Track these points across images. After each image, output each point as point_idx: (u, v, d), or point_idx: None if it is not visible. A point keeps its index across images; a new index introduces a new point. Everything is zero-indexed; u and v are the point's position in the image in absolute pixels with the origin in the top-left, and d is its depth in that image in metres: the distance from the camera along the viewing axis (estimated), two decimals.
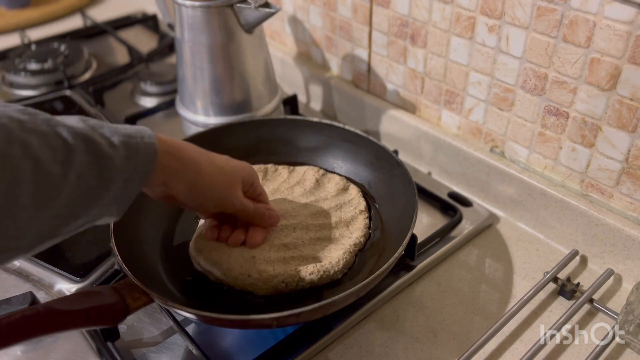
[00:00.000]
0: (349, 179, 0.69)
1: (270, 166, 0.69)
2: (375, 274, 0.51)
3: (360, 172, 0.69)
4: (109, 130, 0.42)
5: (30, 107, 0.39)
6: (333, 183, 0.67)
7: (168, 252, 0.61)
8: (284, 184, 0.67)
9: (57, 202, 0.39)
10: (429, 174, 0.79)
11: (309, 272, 0.55)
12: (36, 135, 0.37)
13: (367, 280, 0.50)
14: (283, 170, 0.69)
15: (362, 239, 0.60)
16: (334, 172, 0.70)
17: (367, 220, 0.63)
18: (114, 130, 0.43)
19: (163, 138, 0.47)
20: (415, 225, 0.56)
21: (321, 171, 0.68)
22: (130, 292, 0.49)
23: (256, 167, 0.69)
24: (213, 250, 0.57)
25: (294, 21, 0.92)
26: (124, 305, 0.49)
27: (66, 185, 0.39)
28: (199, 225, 0.62)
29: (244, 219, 0.56)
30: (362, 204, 0.64)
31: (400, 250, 0.53)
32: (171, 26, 0.83)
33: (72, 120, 0.41)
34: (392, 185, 0.65)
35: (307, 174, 0.68)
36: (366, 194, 0.67)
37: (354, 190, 0.66)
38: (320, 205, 0.64)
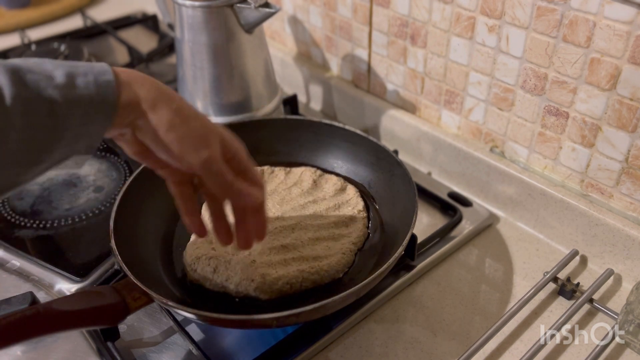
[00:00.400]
0: (346, 179, 0.69)
1: (266, 168, 0.69)
2: (375, 274, 0.51)
3: (360, 172, 0.70)
4: (51, 63, 0.38)
5: None
6: (330, 183, 0.67)
7: (168, 253, 0.61)
8: (281, 185, 0.67)
9: (8, 146, 0.35)
10: (429, 174, 0.79)
11: (311, 271, 0.55)
12: None
13: (367, 280, 0.50)
14: (279, 171, 0.69)
15: (361, 238, 0.61)
16: (331, 173, 0.70)
17: (365, 220, 0.63)
18: (58, 63, 0.38)
19: (118, 69, 0.40)
20: (415, 225, 0.56)
21: (318, 172, 0.68)
22: (130, 292, 0.49)
23: None
24: (211, 258, 0.56)
25: (294, 21, 0.92)
26: (124, 305, 0.49)
27: (12, 127, 0.35)
28: (191, 240, 0.61)
29: (217, 191, 0.44)
30: (360, 204, 0.64)
31: (400, 250, 0.53)
32: (171, 26, 0.83)
33: (8, 60, 0.37)
34: (392, 185, 0.65)
35: (304, 174, 0.68)
36: (366, 194, 0.67)
37: (351, 191, 0.66)
38: (318, 205, 0.64)
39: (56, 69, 0.37)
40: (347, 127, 0.69)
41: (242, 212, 0.46)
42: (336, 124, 0.70)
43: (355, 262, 0.59)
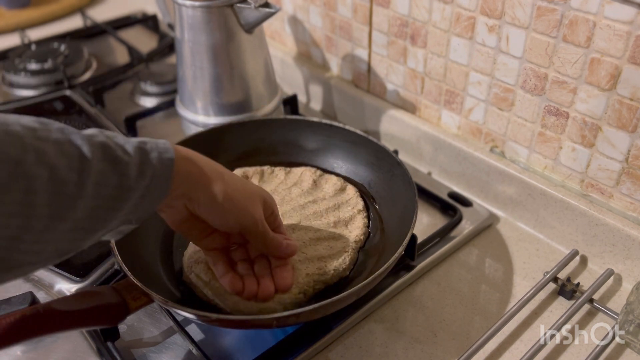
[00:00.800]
0: (346, 179, 0.69)
1: (266, 168, 0.69)
2: (375, 274, 0.51)
3: (360, 172, 0.70)
4: (122, 138, 0.41)
5: (43, 118, 0.38)
6: (330, 184, 0.67)
7: (168, 253, 0.61)
8: (281, 185, 0.67)
9: (74, 213, 0.37)
10: (429, 174, 0.79)
11: (320, 272, 0.55)
12: (50, 143, 0.36)
13: (367, 280, 0.50)
14: (279, 171, 0.69)
15: (362, 237, 0.61)
16: (331, 173, 0.70)
17: (365, 220, 0.63)
18: (126, 140, 0.41)
19: (177, 146, 0.45)
20: (415, 225, 0.56)
21: (318, 172, 0.68)
22: (130, 292, 0.49)
23: (252, 169, 0.69)
24: (210, 267, 0.55)
25: (294, 21, 0.92)
26: (124, 305, 0.49)
27: (83, 196, 0.37)
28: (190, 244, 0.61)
29: (259, 246, 0.51)
30: (360, 204, 0.64)
31: (400, 250, 0.53)
32: (171, 26, 0.83)
33: (87, 130, 0.40)
34: (392, 186, 0.65)
35: (304, 175, 0.68)
36: (366, 194, 0.67)
37: (351, 191, 0.66)
38: (318, 205, 0.64)
39: (127, 144, 0.41)
40: (347, 127, 0.69)
41: (275, 262, 0.53)
42: (336, 124, 0.70)
43: (358, 259, 0.59)
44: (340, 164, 0.71)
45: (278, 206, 0.63)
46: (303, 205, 0.64)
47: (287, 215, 0.62)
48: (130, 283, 0.50)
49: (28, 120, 0.37)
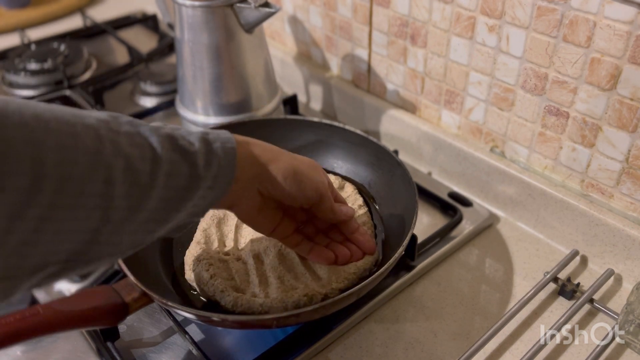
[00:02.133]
0: (346, 179, 0.69)
1: None
2: (376, 274, 0.51)
3: (360, 172, 0.69)
4: (185, 131, 0.42)
5: (111, 112, 0.39)
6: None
7: (168, 253, 0.61)
8: None
9: (149, 203, 0.38)
10: (429, 174, 0.79)
11: (342, 278, 0.55)
12: (122, 134, 0.37)
13: (367, 281, 0.50)
14: None
15: (368, 232, 0.60)
16: (331, 173, 0.70)
17: (368, 213, 0.63)
18: (189, 132, 0.42)
19: (235, 135, 0.46)
20: (415, 225, 0.56)
21: None
22: (130, 292, 0.49)
23: None
24: (210, 265, 0.55)
25: (294, 21, 0.92)
26: (124, 305, 0.49)
27: (156, 185, 0.38)
28: (195, 235, 0.61)
29: (328, 215, 0.51)
30: (360, 200, 0.65)
31: (400, 250, 0.53)
32: (171, 26, 0.83)
33: (152, 123, 0.41)
34: (392, 185, 0.65)
35: None
36: (366, 194, 0.67)
37: (349, 188, 0.66)
38: None
39: (190, 135, 0.42)
40: (347, 127, 0.69)
41: (349, 230, 0.53)
42: (336, 124, 0.70)
43: (380, 257, 0.59)
44: (340, 164, 0.71)
45: None
46: None
47: None
48: (130, 283, 0.50)
49: (99, 113, 0.38)
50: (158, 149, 0.39)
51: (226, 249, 0.59)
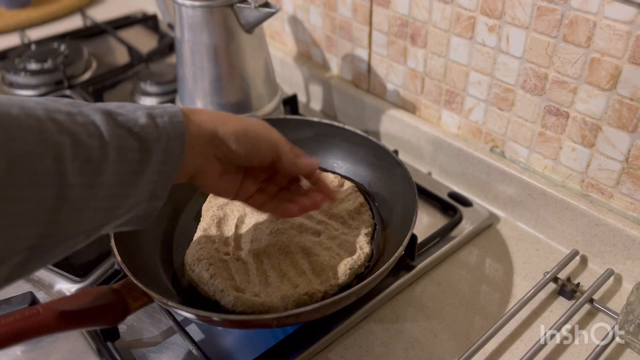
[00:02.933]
0: (346, 179, 0.69)
1: None
2: (376, 274, 0.51)
3: (360, 172, 0.69)
4: (130, 107, 0.42)
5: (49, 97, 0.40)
6: (327, 181, 0.67)
7: (168, 253, 0.61)
8: None
9: (104, 179, 0.39)
10: (429, 174, 0.79)
11: (338, 275, 0.55)
12: (63, 114, 0.38)
13: (367, 280, 0.50)
14: None
15: (370, 229, 0.60)
16: (328, 171, 0.70)
17: (370, 212, 0.63)
18: (134, 108, 0.43)
19: (181, 106, 0.46)
20: (415, 225, 0.56)
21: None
22: (130, 292, 0.49)
23: None
24: (211, 264, 0.55)
25: (294, 21, 0.92)
26: (124, 305, 0.49)
27: (108, 160, 0.39)
28: (195, 235, 0.61)
29: (290, 167, 0.52)
30: (360, 197, 0.65)
31: (400, 250, 0.53)
32: (171, 26, 0.83)
33: (95, 104, 0.41)
34: (392, 185, 0.65)
35: None
36: (366, 193, 0.67)
37: (349, 186, 0.66)
38: None
39: (136, 112, 0.42)
40: (347, 127, 0.69)
41: (312, 180, 0.56)
42: (336, 123, 0.70)
43: (373, 252, 0.59)
44: (340, 164, 0.71)
45: None
46: None
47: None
48: (130, 283, 0.50)
49: (36, 98, 0.38)
50: (102, 127, 0.39)
51: (226, 249, 0.59)
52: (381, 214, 0.65)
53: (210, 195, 0.66)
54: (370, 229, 0.61)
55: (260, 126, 0.50)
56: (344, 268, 0.55)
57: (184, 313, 0.49)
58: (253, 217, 0.62)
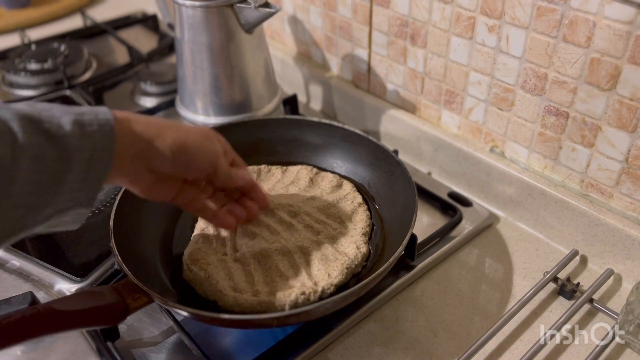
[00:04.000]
0: (344, 178, 0.69)
1: (263, 167, 0.69)
2: (375, 273, 0.51)
3: (359, 172, 0.70)
4: (57, 111, 0.40)
5: None
6: (327, 181, 0.67)
7: (168, 252, 0.61)
8: (278, 184, 0.67)
9: (15, 188, 0.37)
10: (429, 174, 0.79)
11: (334, 274, 0.55)
12: None
13: (367, 280, 0.50)
14: (276, 170, 0.69)
15: (367, 229, 0.60)
16: (327, 171, 0.70)
17: (367, 212, 0.63)
18: (62, 112, 0.40)
19: (116, 111, 0.44)
20: (415, 225, 0.56)
21: (314, 170, 0.68)
22: (130, 292, 0.49)
23: (249, 168, 0.68)
24: (218, 270, 0.55)
25: (294, 21, 0.92)
26: (124, 305, 0.49)
27: (20, 169, 0.37)
28: (193, 235, 0.61)
29: (225, 181, 0.53)
30: (359, 197, 0.65)
31: (400, 250, 0.53)
32: (171, 26, 0.83)
33: (18, 105, 0.39)
34: (392, 185, 0.65)
35: (300, 173, 0.68)
36: (366, 194, 0.67)
37: (347, 186, 0.66)
38: (317, 202, 0.64)
39: (64, 116, 0.40)
40: (346, 127, 0.69)
41: (246, 189, 0.58)
42: (336, 123, 0.70)
43: (370, 251, 0.59)
44: (340, 164, 0.71)
45: (278, 200, 0.64)
46: (304, 201, 0.64)
47: (291, 212, 0.62)
48: (130, 283, 0.50)
49: None
50: (19, 134, 0.37)
51: (224, 249, 0.59)
52: (381, 214, 0.65)
53: None
54: (368, 229, 0.61)
55: (202, 137, 0.49)
56: (341, 267, 0.55)
57: (184, 313, 0.49)
58: None
